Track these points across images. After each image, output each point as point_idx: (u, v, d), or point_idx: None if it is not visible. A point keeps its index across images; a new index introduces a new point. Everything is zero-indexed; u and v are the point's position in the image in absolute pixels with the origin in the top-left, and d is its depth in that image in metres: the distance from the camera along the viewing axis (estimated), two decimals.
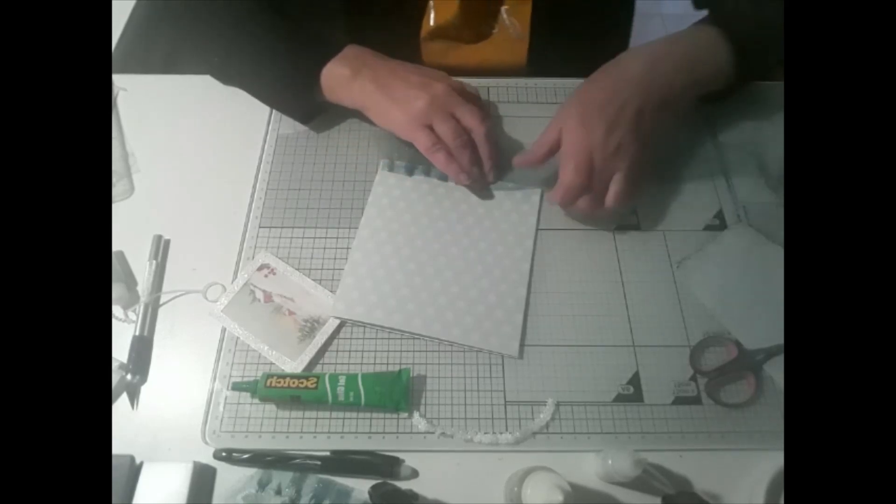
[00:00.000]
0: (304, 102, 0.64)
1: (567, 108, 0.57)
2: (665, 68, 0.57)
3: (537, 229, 0.59)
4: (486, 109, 0.64)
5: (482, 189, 0.61)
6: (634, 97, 0.55)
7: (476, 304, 0.54)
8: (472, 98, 0.64)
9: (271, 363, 0.52)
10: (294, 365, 0.51)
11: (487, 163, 0.60)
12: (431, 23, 0.73)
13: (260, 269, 0.56)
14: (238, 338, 0.53)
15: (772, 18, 0.54)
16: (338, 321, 0.53)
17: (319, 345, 0.52)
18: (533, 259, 0.57)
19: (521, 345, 0.53)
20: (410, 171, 0.62)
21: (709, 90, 0.61)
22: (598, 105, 0.55)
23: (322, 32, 0.63)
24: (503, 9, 0.74)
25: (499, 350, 0.52)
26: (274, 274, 0.56)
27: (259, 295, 0.55)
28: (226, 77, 0.68)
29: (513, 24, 0.74)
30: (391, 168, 0.62)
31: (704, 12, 0.64)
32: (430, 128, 0.58)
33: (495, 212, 0.60)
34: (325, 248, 0.58)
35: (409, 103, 0.58)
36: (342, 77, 0.60)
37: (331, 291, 0.55)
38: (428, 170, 0.62)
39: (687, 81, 0.58)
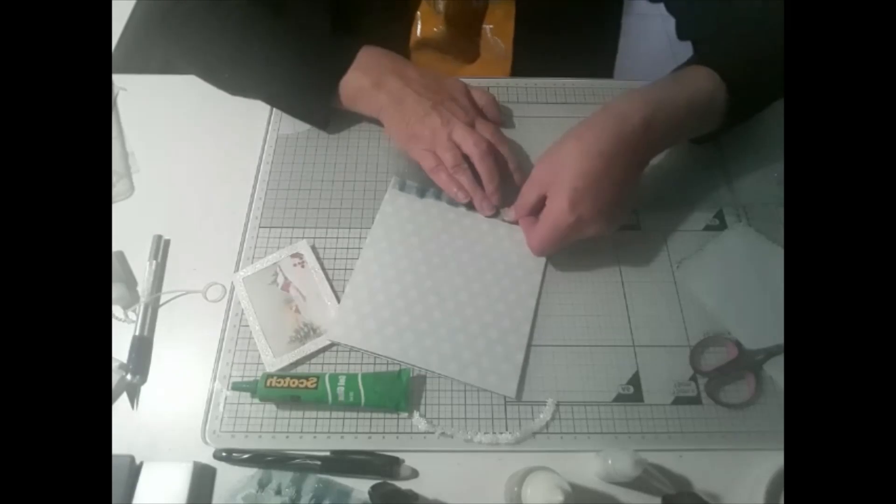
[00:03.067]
0: (322, 110, 0.63)
1: (555, 173, 0.53)
2: (664, 127, 0.53)
3: (546, 265, 0.57)
4: (493, 128, 0.61)
5: (488, 213, 0.59)
6: (628, 168, 0.53)
7: (476, 339, 0.52)
8: (481, 115, 0.62)
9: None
10: (274, 362, 0.51)
11: (488, 185, 0.58)
12: (418, 34, 0.74)
13: (294, 256, 0.56)
14: (238, 331, 0.53)
15: (768, 62, 0.53)
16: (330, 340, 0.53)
17: (305, 353, 0.52)
18: (540, 296, 0.55)
19: (521, 386, 0.51)
20: (422, 193, 0.60)
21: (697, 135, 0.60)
22: (589, 186, 0.51)
23: (333, 36, 0.63)
24: (488, 28, 0.74)
25: (495, 390, 0.50)
26: (302, 266, 0.56)
27: (280, 280, 0.55)
28: (236, 90, 0.67)
29: (496, 42, 0.74)
30: (402, 187, 0.61)
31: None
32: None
33: (505, 242, 0.58)
34: (324, 249, 0.58)
35: (415, 126, 0.58)
36: (362, 88, 0.60)
37: (332, 292, 0.55)
38: (439, 193, 0.60)
39: (682, 135, 0.58)
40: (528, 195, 0.56)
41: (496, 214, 0.59)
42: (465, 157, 0.58)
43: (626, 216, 0.58)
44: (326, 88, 0.61)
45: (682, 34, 0.71)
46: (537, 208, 0.56)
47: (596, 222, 0.53)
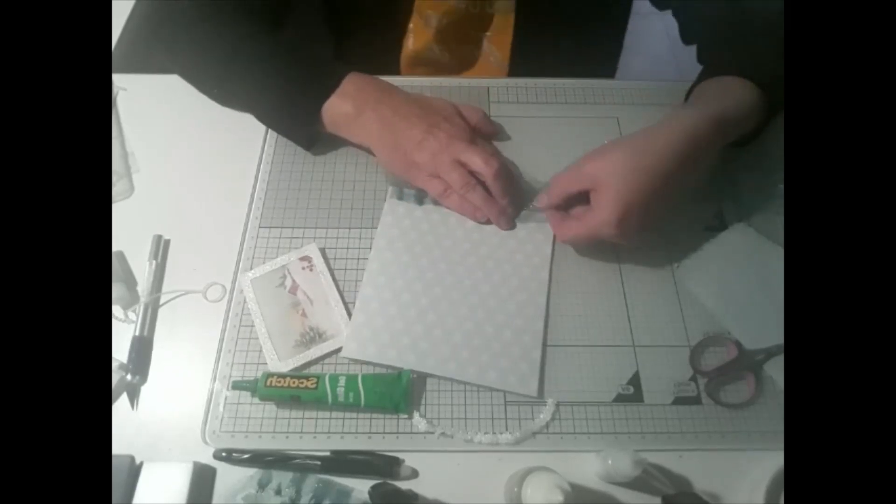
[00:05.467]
0: (305, 133, 0.62)
1: (609, 175, 0.51)
2: (722, 144, 0.54)
3: (553, 259, 0.57)
4: (492, 146, 0.61)
5: (506, 227, 0.58)
6: (681, 187, 0.52)
7: (492, 341, 0.52)
8: (477, 134, 0.61)
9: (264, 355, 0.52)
10: (279, 365, 0.51)
11: (501, 201, 0.57)
12: (410, 48, 0.73)
13: (302, 258, 0.56)
14: (238, 332, 0.53)
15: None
16: (337, 345, 0.52)
17: (311, 358, 0.51)
18: (549, 291, 0.56)
19: (541, 383, 0.51)
20: (420, 200, 0.60)
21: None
22: (642, 203, 0.50)
23: (321, 60, 0.62)
24: (485, 36, 0.73)
25: (517, 390, 0.50)
26: (311, 270, 0.56)
27: (288, 283, 0.55)
28: (224, 102, 0.67)
29: (492, 51, 0.74)
30: (400, 196, 0.60)
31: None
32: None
33: (509, 241, 0.58)
34: (325, 248, 0.58)
35: (414, 153, 0.57)
36: (345, 115, 0.59)
37: (339, 296, 0.54)
38: None
39: (723, 143, 0.55)
40: (570, 186, 0.54)
41: (513, 227, 0.59)
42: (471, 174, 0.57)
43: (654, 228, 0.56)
44: (309, 112, 0.60)
45: (686, 38, 0.71)
46: (573, 200, 0.55)
47: (636, 236, 0.52)
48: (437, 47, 0.73)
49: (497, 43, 0.73)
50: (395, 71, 0.75)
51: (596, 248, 0.58)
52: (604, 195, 0.51)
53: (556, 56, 0.71)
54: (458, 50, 0.74)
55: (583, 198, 0.54)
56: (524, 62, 0.73)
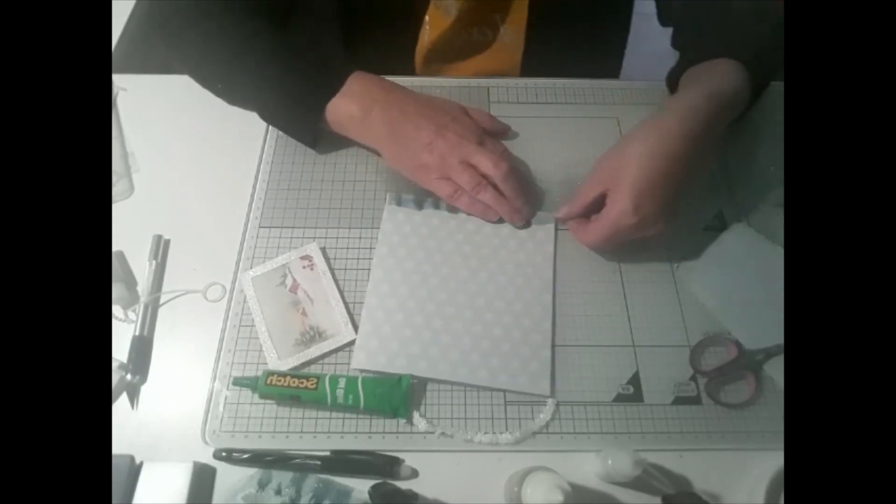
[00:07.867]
0: (309, 132, 0.62)
1: (619, 173, 0.52)
2: (722, 121, 0.55)
3: (555, 256, 0.57)
4: (501, 145, 0.61)
5: (520, 223, 0.58)
6: (690, 166, 0.52)
7: (501, 343, 0.52)
8: (487, 135, 0.61)
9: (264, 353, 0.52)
10: (279, 363, 0.51)
11: (516, 201, 0.57)
12: (426, 40, 0.73)
13: (303, 258, 0.56)
14: (238, 331, 0.53)
15: (776, 46, 0.53)
16: (337, 344, 0.52)
17: (310, 357, 0.52)
18: (555, 289, 0.56)
19: (552, 382, 0.51)
20: (420, 205, 0.60)
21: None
22: (654, 187, 0.51)
23: (326, 60, 0.62)
24: (498, 16, 0.74)
25: (529, 390, 0.50)
26: (311, 269, 0.56)
27: (288, 281, 0.55)
28: (230, 100, 0.67)
29: (507, 31, 0.74)
30: (399, 202, 0.60)
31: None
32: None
33: (511, 241, 0.58)
34: (324, 249, 0.58)
35: (422, 155, 0.57)
36: (351, 117, 0.59)
37: (340, 295, 0.55)
38: (437, 202, 0.59)
39: (724, 122, 0.56)
40: (587, 193, 0.55)
41: (528, 225, 0.59)
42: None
43: (677, 214, 0.55)
44: (312, 112, 0.60)
45: (663, 20, 0.73)
46: (594, 207, 0.55)
47: (658, 223, 0.52)
48: (454, 34, 0.72)
49: (512, 22, 0.73)
50: (410, 63, 0.75)
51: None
52: (617, 188, 0.52)
53: (570, 32, 0.71)
54: (474, 33, 0.74)
55: (600, 206, 0.55)
56: (539, 39, 0.73)
